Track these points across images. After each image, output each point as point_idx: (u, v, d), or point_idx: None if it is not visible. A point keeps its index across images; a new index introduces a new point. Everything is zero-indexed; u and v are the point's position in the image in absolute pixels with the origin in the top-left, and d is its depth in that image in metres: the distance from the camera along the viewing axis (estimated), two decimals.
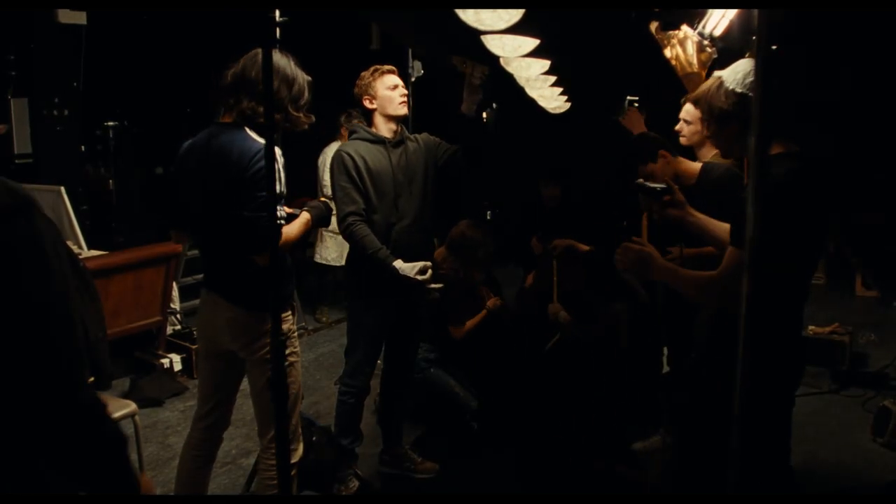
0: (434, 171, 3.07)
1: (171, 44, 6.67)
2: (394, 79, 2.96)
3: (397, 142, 2.97)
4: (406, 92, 2.99)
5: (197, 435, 2.53)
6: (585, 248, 3.74)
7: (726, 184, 2.72)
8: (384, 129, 2.96)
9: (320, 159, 5.43)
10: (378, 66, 2.99)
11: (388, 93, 2.93)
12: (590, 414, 3.52)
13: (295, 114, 2.29)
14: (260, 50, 2.17)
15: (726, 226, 2.16)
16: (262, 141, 2.17)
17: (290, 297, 2.44)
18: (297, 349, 2.48)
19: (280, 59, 2.25)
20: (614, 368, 3.62)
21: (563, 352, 3.89)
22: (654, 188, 2.25)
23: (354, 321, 3.09)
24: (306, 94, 2.31)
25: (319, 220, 2.44)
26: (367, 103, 2.96)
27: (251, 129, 2.23)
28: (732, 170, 2.81)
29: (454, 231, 3.81)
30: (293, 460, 2.37)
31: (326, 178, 5.05)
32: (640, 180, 2.36)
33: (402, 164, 2.96)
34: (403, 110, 2.96)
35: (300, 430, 2.47)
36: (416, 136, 3.11)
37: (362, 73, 2.98)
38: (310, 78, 2.34)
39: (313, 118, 2.36)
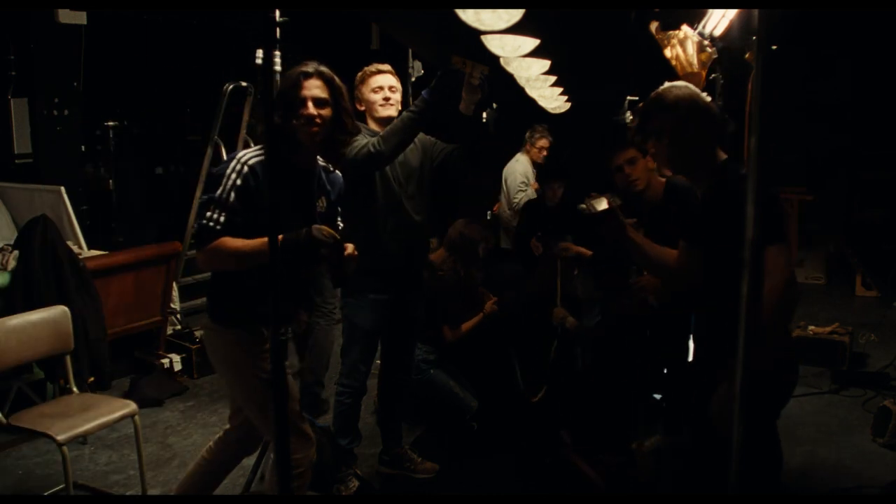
0: (430, 171, 3.06)
1: (172, 44, 6.68)
2: (378, 80, 2.93)
3: None
4: (390, 95, 2.94)
5: (224, 438, 2.52)
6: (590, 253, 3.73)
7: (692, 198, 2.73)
8: (377, 130, 2.95)
9: (504, 171, 5.49)
10: (366, 68, 2.96)
11: (372, 96, 2.92)
12: (594, 413, 3.52)
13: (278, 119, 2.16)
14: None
15: (668, 251, 2.23)
16: (251, 152, 2.16)
17: (250, 313, 2.23)
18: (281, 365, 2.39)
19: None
20: (622, 367, 3.61)
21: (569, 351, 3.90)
22: (592, 212, 2.21)
23: (349, 320, 3.08)
24: (291, 93, 2.16)
25: (292, 246, 2.03)
26: (357, 106, 2.95)
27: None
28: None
29: (451, 231, 3.81)
30: (299, 469, 2.31)
31: (509, 189, 5.32)
32: (583, 206, 2.30)
33: (397, 163, 2.96)
34: (386, 112, 2.92)
35: (309, 432, 2.40)
36: (423, 136, 3.10)
37: (357, 75, 2.97)
38: (304, 70, 2.19)
39: (306, 124, 2.16)
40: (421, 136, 3.06)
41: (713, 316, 2.17)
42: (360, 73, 2.97)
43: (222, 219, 2.10)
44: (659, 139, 2.06)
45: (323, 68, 2.21)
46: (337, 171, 2.45)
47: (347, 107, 2.29)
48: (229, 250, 2.10)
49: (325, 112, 2.18)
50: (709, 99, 2.17)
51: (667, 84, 2.10)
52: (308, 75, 2.18)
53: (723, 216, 1.97)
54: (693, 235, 2.18)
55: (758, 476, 2.11)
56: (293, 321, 2.51)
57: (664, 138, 2.04)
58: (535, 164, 5.43)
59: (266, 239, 2.06)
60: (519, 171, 5.42)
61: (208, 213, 2.11)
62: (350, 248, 2.19)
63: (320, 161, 2.34)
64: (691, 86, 2.11)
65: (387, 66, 3.00)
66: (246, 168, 2.12)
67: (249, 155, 2.16)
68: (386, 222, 2.91)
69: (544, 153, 5.20)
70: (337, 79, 2.24)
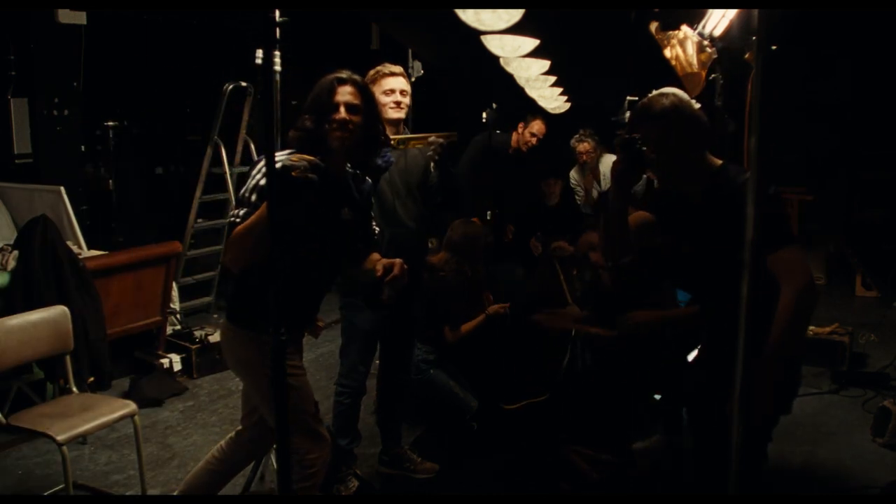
0: (425, 178, 3.06)
1: (172, 44, 6.67)
2: (390, 82, 2.92)
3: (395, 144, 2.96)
4: (401, 99, 2.93)
5: (237, 439, 2.53)
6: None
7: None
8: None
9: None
10: (380, 68, 2.95)
11: (383, 98, 2.90)
12: (594, 413, 3.51)
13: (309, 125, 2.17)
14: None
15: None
16: (280, 154, 2.13)
17: (266, 315, 2.08)
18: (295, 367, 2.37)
19: None
20: (623, 367, 3.61)
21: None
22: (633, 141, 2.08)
23: (348, 320, 3.09)
24: (324, 98, 2.17)
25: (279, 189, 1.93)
26: None
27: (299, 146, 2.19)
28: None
29: (451, 233, 3.81)
30: (313, 469, 2.32)
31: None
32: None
33: (399, 167, 2.96)
34: (395, 115, 2.92)
35: (325, 433, 2.40)
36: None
37: (368, 73, 2.96)
38: (338, 76, 2.18)
39: (338, 129, 2.16)
40: (423, 147, 3.06)
41: (717, 319, 2.17)
42: (372, 72, 2.95)
43: (242, 212, 2.11)
44: (645, 147, 2.08)
45: (356, 76, 2.22)
46: (367, 179, 2.45)
47: (379, 115, 2.30)
48: (241, 231, 2.09)
49: (357, 119, 2.18)
50: (697, 106, 2.18)
51: (655, 92, 2.12)
52: (342, 81, 2.18)
53: (719, 220, 1.99)
54: (655, 210, 2.24)
55: (749, 472, 2.11)
56: (310, 325, 2.53)
57: (649, 147, 2.07)
58: (581, 166, 5.58)
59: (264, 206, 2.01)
60: (571, 175, 5.62)
61: (233, 212, 2.14)
62: (396, 265, 2.17)
63: (349, 168, 2.32)
64: (680, 93, 2.12)
65: (399, 69, 2.99)
66: None
67: (278, 156, 2.15)
68: (382, 232, 2.92)
69: (584, 157, 5.34)
70: (370, 88, 2.25)
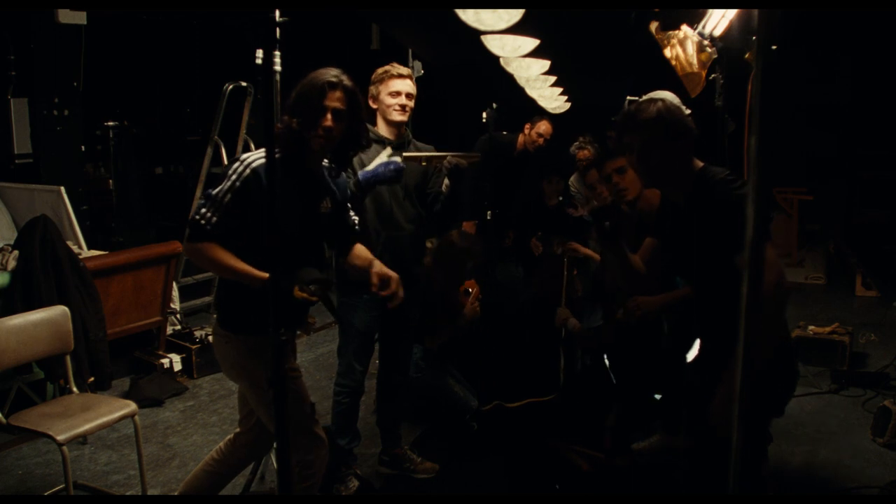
0: (423, 183, 3.06)
1: (172, 44, 6.68)
2: (398, 84, 2.92)
3: (398, 144, 2.97)
4: (406, 102, 2.93)
5: (234, 441, 2.53)
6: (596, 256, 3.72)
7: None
8: (384, 130, 2.96)
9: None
10: (388, 68, 2.95)
11: (389, 99, 2.92)
12: (594, 413, 3.51)
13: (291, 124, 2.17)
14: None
15: (637, 258, 2.28)
16: (256, 154, 2.17)
17: (257, 318, 2.08)
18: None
19: None
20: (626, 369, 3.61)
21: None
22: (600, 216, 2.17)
23: (343, 320, 3.09)
24: (313, 101, 2.15)
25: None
26: (371, 102, 2.95)
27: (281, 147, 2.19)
28: None
29: (450, 235, 3.77)
30: (311, 469, 2.33)
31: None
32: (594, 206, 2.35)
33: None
34: (398, 117, 2.93)
35: (321, 433, 2.40)
36: (421, 145, 3.09)
37: (377, 70, 2.96)
38: (325, 80, 2.16)
39: (324, 135, 2.16)
40: (431, 148, 3.04)
41: (709, 318, 2.18)
42: (381, 71, 2.96)
43: (214, 220, 2.12)
44: (631, 153, 2.11)
45: (346, 81, 2.19)
46: (343, 175, 2.46)
47: (364, 121, 2.31)
48: (212, 258, 2.13)
49: (341, 126, 2.18)
50: (688, 112, 2.19)
51: (644, 97, 2.15)
52: (334, 86, 2.17)
53: (704, 222, 2.00)
54: (661, 232, 2.25)
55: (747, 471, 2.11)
56: (302, 325, 2.53)
57: (634, 154, 2.09)
58: (581, 172, 5.50)
59: (249, 269, 2.09)
60: (571, 182, 5.57)
61: (203, 210, 2.13)
62: (393, 282, 2.27)
63: (325, 162, 2.33)
64: (669, 99, 2.14)
65: (408, 71, 2.99)
66: (248, 171, 2.13)
67: (253, 157, 2.17)
68: (378, 234, 2.92)
69: (584, 164, 5.33)
70: (358, 92, 2.25)
